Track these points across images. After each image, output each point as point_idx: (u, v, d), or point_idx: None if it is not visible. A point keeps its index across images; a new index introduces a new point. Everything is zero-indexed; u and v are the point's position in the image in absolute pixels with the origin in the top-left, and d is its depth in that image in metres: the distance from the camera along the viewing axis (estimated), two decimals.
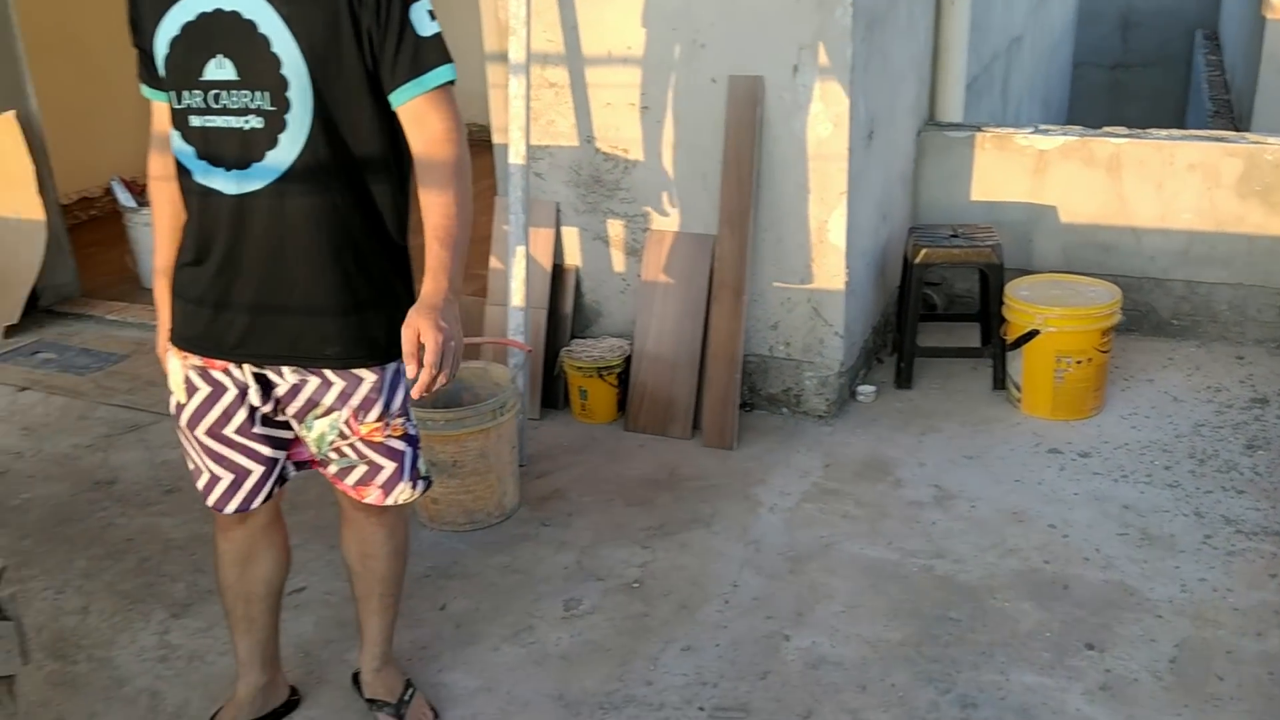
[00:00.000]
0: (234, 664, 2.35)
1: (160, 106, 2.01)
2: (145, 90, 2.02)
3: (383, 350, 2.01)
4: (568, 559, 2.90)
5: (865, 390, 3.67)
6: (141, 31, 1.94)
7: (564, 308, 3.69)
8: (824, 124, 3.25)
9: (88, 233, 5.38)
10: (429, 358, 1.80)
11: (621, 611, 2.68)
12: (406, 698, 2.34)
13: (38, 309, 4.51)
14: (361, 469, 2.11)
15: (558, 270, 3.68)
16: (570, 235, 3.66)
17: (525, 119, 3.26)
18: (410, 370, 1.81)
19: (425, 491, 2.20)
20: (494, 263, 3.69)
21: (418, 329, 1.81)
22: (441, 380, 1.83)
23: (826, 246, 3.37)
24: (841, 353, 3.49)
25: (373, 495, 2.14)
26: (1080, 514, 2.99)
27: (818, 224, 3.36)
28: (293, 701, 2.40)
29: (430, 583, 2.82)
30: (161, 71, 1.92)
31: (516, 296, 3.33)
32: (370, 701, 2.36)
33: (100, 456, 3.50)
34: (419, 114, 1.89)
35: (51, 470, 3.43)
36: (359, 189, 1.93)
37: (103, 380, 3.99)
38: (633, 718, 2.34)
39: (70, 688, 2.48)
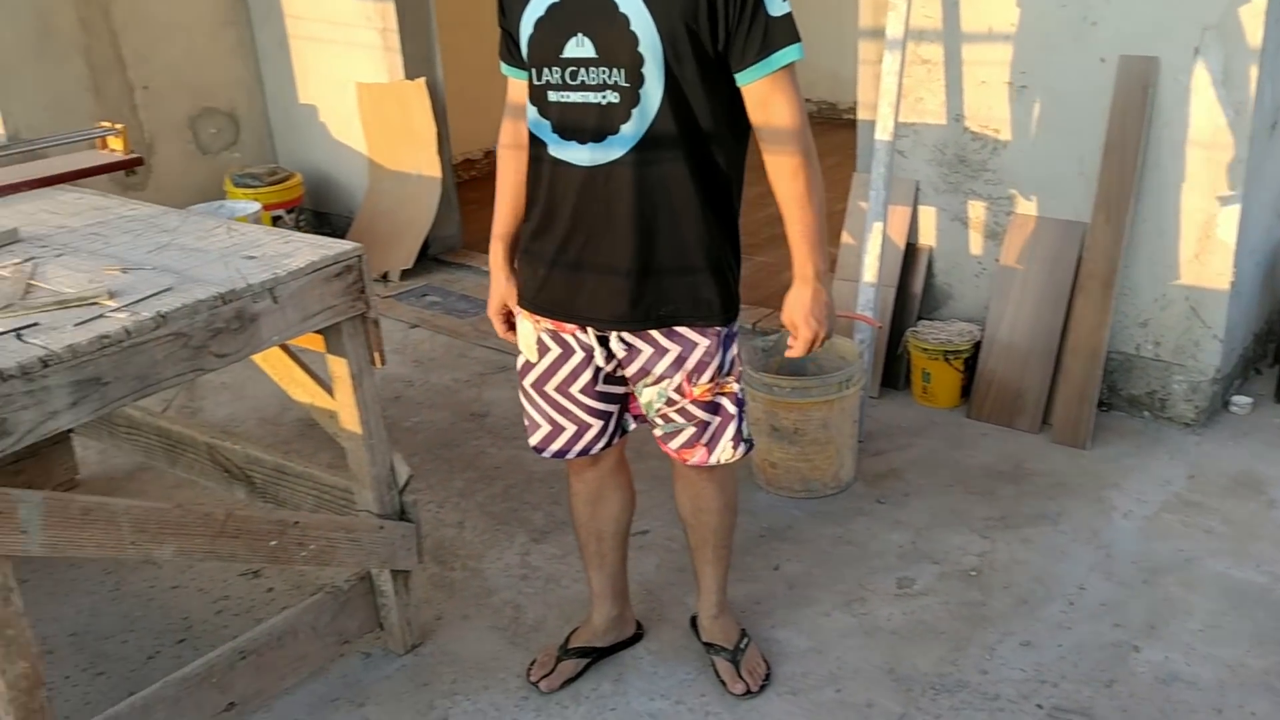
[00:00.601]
0: (585, 591, 2.54)
1: (516, 81, 2.13)
2: (504, 68, 2.14)
3: (715, 313, 2.08)
4: (902, 538, 2.90)
5: (1241, 401, 3.38)
6: (509, 14, 2.05)
7: (914, 287, 3.65)
8: (1224, 110, 3.00)
9: (467, 191, 5.88)
10: (801, 348, 2.10)
11: (957, 597, 2.65)
12: (742, 646, 2.44)
13: (427, 256, 5.01)
14: (688, 432, 2.18)
15: (910, 249, 3.65)
16: (927, 214, 3.62)
17: (896, 96, 3.25)
18: (790, 342, 2.13)
19: (746, 454, 2.24)
20: (845, 238, 3.71)
21: (794, 323, 2.08)
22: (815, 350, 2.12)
23: (1213, 242, 3.12)
24: (1219, 358, 3.23)
25: (696, 456, 2.21)
26: None
27: (1205, 217, 3.12)
28: (638, 635, 2.57)
29: (765, 543, 2.92)
30: (524, 50, 2.02)
31: (869, 272, 3.34)
32: (708, 645, 2.46)
33: (475, 391, 3.88)
34: (764, 95, 1.94)
35: (436, 399, 3.83)
36: (701, 159, 1.98)
37: (478, 325, 4.40)
38: (965, 703, 2.33)
39: (448, 590, 2.80)
